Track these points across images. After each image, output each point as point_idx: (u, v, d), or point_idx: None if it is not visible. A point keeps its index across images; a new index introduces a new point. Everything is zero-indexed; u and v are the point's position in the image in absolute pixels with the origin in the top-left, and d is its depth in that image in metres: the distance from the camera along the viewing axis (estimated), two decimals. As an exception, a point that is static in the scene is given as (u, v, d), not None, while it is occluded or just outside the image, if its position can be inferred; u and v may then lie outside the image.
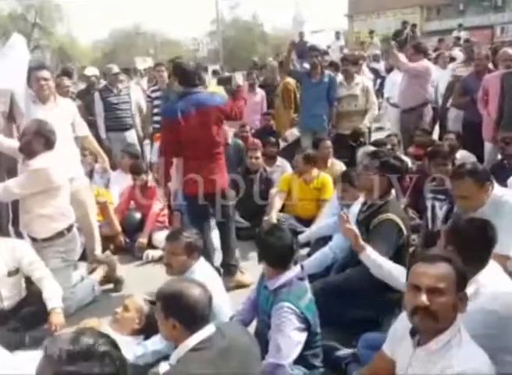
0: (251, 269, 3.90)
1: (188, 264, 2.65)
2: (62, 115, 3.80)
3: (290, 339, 2.12)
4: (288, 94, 6.15)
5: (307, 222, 4.35)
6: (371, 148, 4.49)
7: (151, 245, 4.38)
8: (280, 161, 5.35)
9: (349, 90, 5.61)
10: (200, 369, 1.60)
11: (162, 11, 64.20)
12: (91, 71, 6.75)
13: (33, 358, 2.15)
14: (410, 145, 5.27)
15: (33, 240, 3.28)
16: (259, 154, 5.01)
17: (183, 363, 1.63)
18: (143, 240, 4.35)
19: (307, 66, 5.99)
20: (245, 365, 1.74)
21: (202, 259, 2.71)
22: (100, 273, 3.73)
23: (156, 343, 2.46)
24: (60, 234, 3.37)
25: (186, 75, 3.50)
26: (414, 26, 12.80)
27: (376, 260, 2.46)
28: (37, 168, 3.17)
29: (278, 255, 2.26)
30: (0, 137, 3.49)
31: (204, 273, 2.61)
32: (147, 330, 2.67)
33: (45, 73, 3.74)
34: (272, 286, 2.26)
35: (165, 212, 4.69)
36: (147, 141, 6.25)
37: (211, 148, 3.58)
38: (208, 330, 1.71)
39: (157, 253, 4.28)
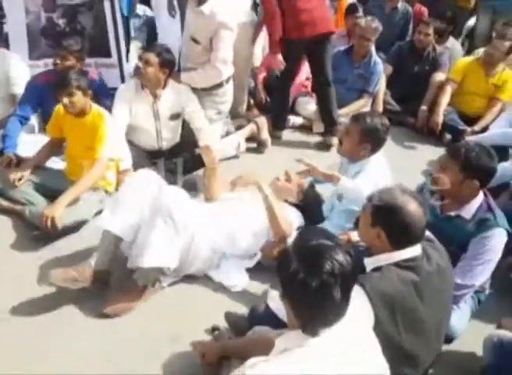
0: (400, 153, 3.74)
1: (361, 153, 2.43)
2: None
3: (488, 267, 1.98)
4: None
5: (471, 120, 3.87)
6: None
7: (293, 111, 4.18)
8: (452, 42, 4.61)
9: None
10: (399, 287, 1.50)
11: None
12: None
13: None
14: None
15: (193, 89, 3.18)
16: (431, 30, 4.30)
17: (383, 274, 1.52)
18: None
19: None
20: (443, 288, 1.62)
21: (380, 156, 2.47)
22: (247, 131, 3.65)
23: None
24: (219, 85, 3.27)
25: None
26: None
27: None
28: (210, 14, 2.99)
29: (490, 177, 1.99)
30: None
31: (378, 169, 2.40)
32: (300, 206, 2.62)
33: None
34: (468, 214, 2.02)
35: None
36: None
37: None
38: (415, 251, 1.57)
39: (298, 120, 4.12)
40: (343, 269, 1.17)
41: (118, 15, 3.43)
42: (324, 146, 3.78)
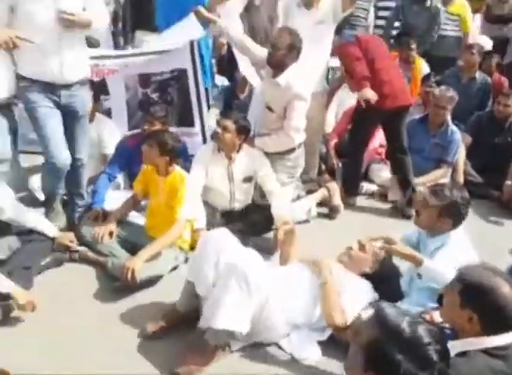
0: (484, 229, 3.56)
1: (440, 227, 2.33)
2: (321, 19, 3.56)
3: None
4: None
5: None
6: None
7: (367, 178, 4.15)
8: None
9: None
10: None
11: None
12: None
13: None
14: None
15: (266, 153, 3.28)
16: (511, 101, 4.19)
17: (470, 360, 1.40)
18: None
19: None
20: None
21: (461, 230, 2.35)
22: (319, 195, 3.66)
23: None
24: (292, 150, 3.34)
25: None
26: None
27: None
28: (286, 85, 3.11)
29: None
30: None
31: (459, 245, 2.28)
32: (375, 278, 2.52)
33: None
34: None
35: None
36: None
37: None
38: (508, 338, 1.44)
39: (372, 187, 4.08)
40: (443, 348, 1.10)
41: (201, 87, 3.67)
42: (399, 215, 3.69)
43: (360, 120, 3.65)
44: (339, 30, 3.76)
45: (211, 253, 2.27)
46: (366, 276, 2.49)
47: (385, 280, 2.46)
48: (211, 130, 3.66)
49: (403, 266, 2.57)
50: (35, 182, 3.40)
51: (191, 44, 3.49)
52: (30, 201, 2.97)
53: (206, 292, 2.25)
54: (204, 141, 3.72)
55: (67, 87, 2.85)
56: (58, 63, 2.76)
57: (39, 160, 3.53)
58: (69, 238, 2.83)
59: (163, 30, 3.62)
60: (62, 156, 2.86)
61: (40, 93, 2.79)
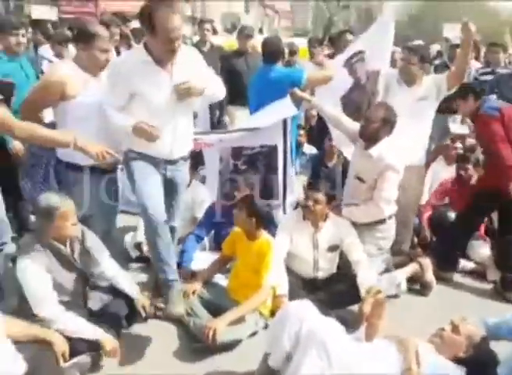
0: None
1: None
2: (423, 95, 3.55)
3: None
4: None
5: None
6: None
7: (464, 254, 3.84)
8: None
9: None
10: None
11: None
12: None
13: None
14: None
15: (353, 224, 3.22)
16: None
17: None
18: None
19: None
20: None
21: None
22: (410, 270, 3.45)
23: None
24: (381, 221, 3.24)
25: None
26: None
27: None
28: (378, 157, 3.11)
29: None
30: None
31: None
32: (469, 363, 2.26)
33: (414, 58, 3.53)
34: None
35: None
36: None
37: None
38: None
39: (469, 264, 3.78)
40: None
41: (288, 163, 3.77)
42: (499, 297, 3.36)
43: (482, 203, 3.48)
44: (478, 95, 3.52)
45: (291, 322, 2.23)
46: (459, 360, 2.26)
47: (480, 367, 2.21)
48: (296, 198, 3.69)
49: (502, 352, 2.29)
50: (128, 239, 3.68)
51: (284, 121, 3.62)
52: (123, 257, 3.15)
53: (278, 364, 2.22)
54: (284, 210, 3.77)
55: (173, 162, 2.87)
56: (170, 141, 2.77)
57: (135, 221, 3.82)
58: (142, 304, 2.78)
59: (253, 107, 3.81)
60: (159, 210, 2.68)
61: (146, 162, 2.79)
